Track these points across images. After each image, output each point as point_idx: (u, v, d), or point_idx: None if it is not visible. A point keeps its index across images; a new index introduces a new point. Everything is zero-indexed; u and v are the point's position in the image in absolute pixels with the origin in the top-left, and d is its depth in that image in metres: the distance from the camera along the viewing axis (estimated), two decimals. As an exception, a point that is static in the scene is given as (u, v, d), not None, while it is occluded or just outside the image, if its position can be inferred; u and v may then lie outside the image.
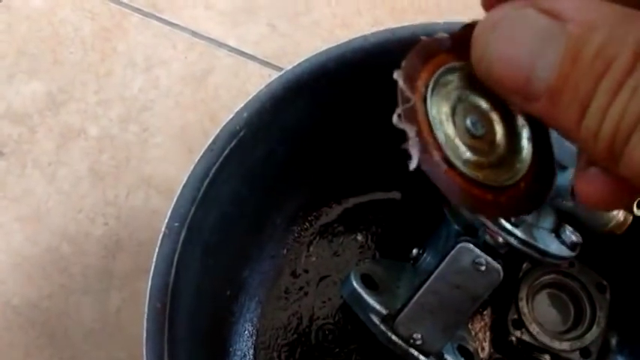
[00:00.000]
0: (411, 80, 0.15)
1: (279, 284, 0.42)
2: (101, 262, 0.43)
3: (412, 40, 0.37)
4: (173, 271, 0.30)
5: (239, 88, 0.49)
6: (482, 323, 0.41)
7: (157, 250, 0.29)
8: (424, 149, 0.14)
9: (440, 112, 0.15)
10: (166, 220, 0.30)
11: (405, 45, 0.37)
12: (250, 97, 0.34)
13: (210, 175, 0.33)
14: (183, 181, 0.31)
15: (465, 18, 0.37)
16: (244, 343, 0.40)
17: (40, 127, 0.47)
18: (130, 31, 0.51)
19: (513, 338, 0.39)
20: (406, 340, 0.35)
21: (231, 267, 0.40)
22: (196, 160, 0.32)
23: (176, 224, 0.31)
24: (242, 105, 0.34)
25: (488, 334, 0.41)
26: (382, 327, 0.35)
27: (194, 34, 0.51)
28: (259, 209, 0.41)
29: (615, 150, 0.14)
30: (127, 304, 0.42)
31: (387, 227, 0.43)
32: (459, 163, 0.14)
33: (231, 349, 0.39)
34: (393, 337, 0.35)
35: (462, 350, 0.37)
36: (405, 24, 0.38)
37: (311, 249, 0.43)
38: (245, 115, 0.34)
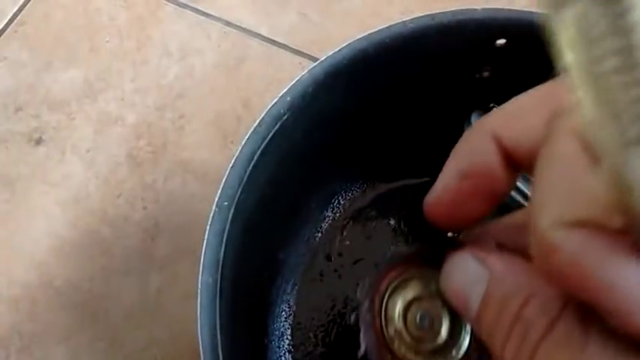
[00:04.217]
0: (376, 284, 0.20)
1: (314, 267, 0.43)
2: (141, 245, 0.44)
3: (452, 25, 0.38)
4: (222, 248, 0.31)
5: (271, 76, 0.50)
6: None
7: (208, 227, 0.30)
8: (375, 342, 0.19)
9: (394, 310, 0.19)
10: (216, 199, 0.31)
11: (444, 30, 0.38)
12: (293, 82, 0.35)
13: (255, 158, 0.34)
14: (231, 163, 0.32)
15: (498, 5, 0.38)
16: (282, 324, 0.41)
17: (78, 114, 0.48)
18: (165, 21, 0.51)
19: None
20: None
21: (268, 249, 0.41)
22: (242, 143, 0.33)
23: (225, 204, 0.31)
24: (285, 89, 0.35)
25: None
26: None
27: (227, 23, 0.52)
28: (294, 193, 0.42)
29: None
30: (166, 285, 0.43)
31: (419, 211, 0.44)
32: (401, 352, 0.19)
33: (269, 329, 0.40)
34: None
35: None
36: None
37: (344, 233, 0.44)
38: (288, 99, 0.35)
